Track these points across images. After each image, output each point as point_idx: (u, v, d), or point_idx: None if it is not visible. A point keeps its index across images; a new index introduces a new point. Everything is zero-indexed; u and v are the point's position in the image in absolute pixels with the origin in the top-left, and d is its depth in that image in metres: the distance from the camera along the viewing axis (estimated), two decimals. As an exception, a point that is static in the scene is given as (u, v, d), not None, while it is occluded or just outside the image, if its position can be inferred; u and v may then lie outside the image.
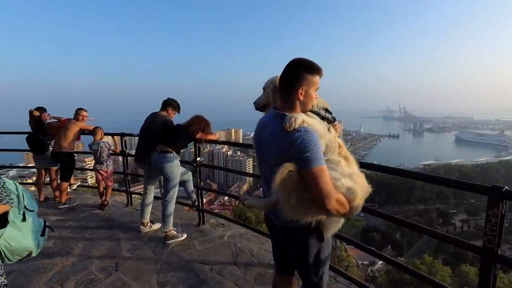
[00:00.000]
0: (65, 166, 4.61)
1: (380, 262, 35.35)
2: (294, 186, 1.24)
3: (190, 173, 3.78)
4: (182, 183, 3.77)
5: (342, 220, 1.54)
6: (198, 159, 3.72)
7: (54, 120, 4.84)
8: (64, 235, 3.63)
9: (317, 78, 1.40)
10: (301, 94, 1.37)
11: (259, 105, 1.79)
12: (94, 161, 4.60)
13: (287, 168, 1.24)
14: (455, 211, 57.21)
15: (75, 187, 5.17)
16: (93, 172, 4.64)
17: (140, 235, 3.58)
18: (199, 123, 3.41)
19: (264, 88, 1.75)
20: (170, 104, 3.63)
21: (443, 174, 67.18)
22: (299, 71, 1.36)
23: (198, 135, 3.45)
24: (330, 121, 1.60)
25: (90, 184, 7.91)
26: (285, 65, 1.40)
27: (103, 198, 4.63)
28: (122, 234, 3.63)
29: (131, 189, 4.78)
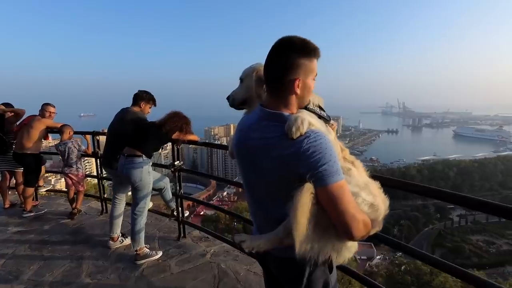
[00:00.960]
0: (29, 170, 4.06)
1: (378, 257, 35.44)
2: (311, 211, 0.94)
3: (167, 179, 3.24)
4: (158, 191, 3.23)
5: (356, 245, 1.18)
6: (176, 163, 3.16)
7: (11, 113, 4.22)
8: (19, 253, 3.09)
9: (314, 62, 1.03)
10: (298, 86, 1.01)
11: (236, 101, 1.34)
12: (62, 164, 4.05)
13: (309, 190, 0.92)
14: (453, 206, 57.21)
15: (43, 190, 4.61)
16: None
17: (108, 253, 3.05)
18: (176, 121, 2.85)
19: (242, 79, 1.33)
20: (141, 97, 3.06)
21: (441, 169, 67.32)
22: (292, 56, 0.99)
23: (175, 135, 2.90)
24: (327, 120, 1.20)
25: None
26: (271, 48, 1.02)
27: (74, 205, 4.09)
28: (88, 251, 3.09)
29: (106, 195, 4.23)
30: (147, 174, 2.74)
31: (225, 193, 61.92)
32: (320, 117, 1.15)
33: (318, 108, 1.17)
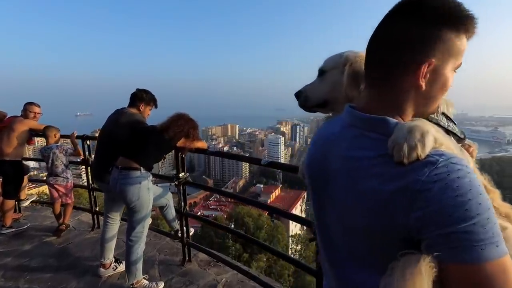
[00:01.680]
0: (9, 179, 3.51)
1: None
2: None
3: (169, 195, 2.73)
4: (160, 209, 2.73)
5: None
6: (181, 175, 2.66)
7: None
8: (-10, 284, 2.57)
9: (464, 41, 0.57)
10: (424, 76, 0.55)
11: (313, 101, 0.90)
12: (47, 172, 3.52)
13: (429, 264, 0.47)
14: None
15: (27, 203, 4.07)
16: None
17: (99, 284, 2.53)
18: (181, 125, 2.35)
19: (323, 70, 0.89)
20: (141, 98, 2.57)
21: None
22: (423, 23, 0.54)
23: (180, 142, 2.40)
24: (459, 138, 0.75)
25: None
26: (385, 15, 0.59)
27: (61, 220, 3.55)
28: (73, 281, 2.57)
29: (98, 208, 3.70)
30: (146, 191, 2.23)
31: (222, 194, 61.34)
32: (447, 132, 0.69)
33: (443, 117, 0.70)
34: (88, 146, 3.50)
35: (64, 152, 3.47)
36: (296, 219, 2.40)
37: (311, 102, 0.89)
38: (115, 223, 2.62)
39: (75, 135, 3.50)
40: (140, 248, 2.29)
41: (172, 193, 2.87)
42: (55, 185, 3.45)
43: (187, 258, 2.88)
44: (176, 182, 2.64)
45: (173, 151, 2.59)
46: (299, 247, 19.55)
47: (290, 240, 19.33)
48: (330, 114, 0.90)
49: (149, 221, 2.38)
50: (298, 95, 0.90)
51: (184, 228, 2.80)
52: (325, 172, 0.67)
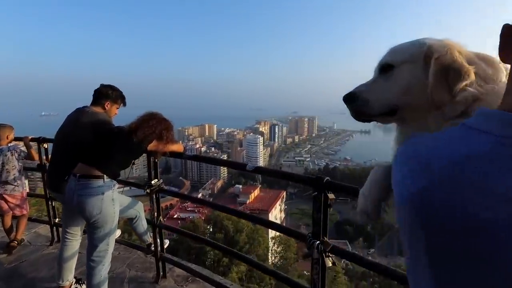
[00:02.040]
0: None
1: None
2: None
3: (140, 205, 2.41)
4: (129, 222, 2.41)
5: None
6: (153, 181, 2.36)
7: None
8: None
9: None
10: None
11: (377, 107, 0.66)
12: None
13: None
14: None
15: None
16: None
17: (55, 311, 2.18)
18: (152, 126, 2.07)
19: (390, 65, 0.65)
20: (106, 95, 2.25)
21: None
22: None
23: (152, 145, 2.11)
24: None
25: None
26: None
27: (12, 234, 3.09)
28: (25, 309, 2.20)
29: (57, 220, 3.27)
30: (110, 203, 1.91)
31: (199, 195, 60.23)
32: None
33: None
34: (46, 149, 3.08)
35: (17, 155, 3.02)
36: (279, 228, 2.21)
37: (374, 108, 0.65)
38: (75, 239, 2.27)
39: (29, 138, 3.07)
40: (104, 269, 1.97)
41: (142, 195, 2.55)
42: (4, 195, 2.98)
43: (161, 274, 2.58)
44: (148, 190, 2.34)
45: (145, 155, 2.30)
46: (279, 249, 19.51)
47: (271, 242, 19.26)
48: (396, 126, 0.69)
49: (115, 236, 2.07)
50: (350, 98, 0.66)
51: (158, 240, 2.51)
52: (461, 220, 0.36)
